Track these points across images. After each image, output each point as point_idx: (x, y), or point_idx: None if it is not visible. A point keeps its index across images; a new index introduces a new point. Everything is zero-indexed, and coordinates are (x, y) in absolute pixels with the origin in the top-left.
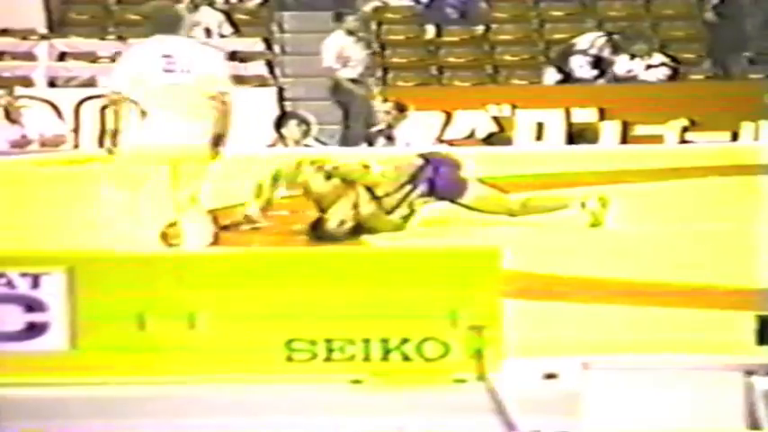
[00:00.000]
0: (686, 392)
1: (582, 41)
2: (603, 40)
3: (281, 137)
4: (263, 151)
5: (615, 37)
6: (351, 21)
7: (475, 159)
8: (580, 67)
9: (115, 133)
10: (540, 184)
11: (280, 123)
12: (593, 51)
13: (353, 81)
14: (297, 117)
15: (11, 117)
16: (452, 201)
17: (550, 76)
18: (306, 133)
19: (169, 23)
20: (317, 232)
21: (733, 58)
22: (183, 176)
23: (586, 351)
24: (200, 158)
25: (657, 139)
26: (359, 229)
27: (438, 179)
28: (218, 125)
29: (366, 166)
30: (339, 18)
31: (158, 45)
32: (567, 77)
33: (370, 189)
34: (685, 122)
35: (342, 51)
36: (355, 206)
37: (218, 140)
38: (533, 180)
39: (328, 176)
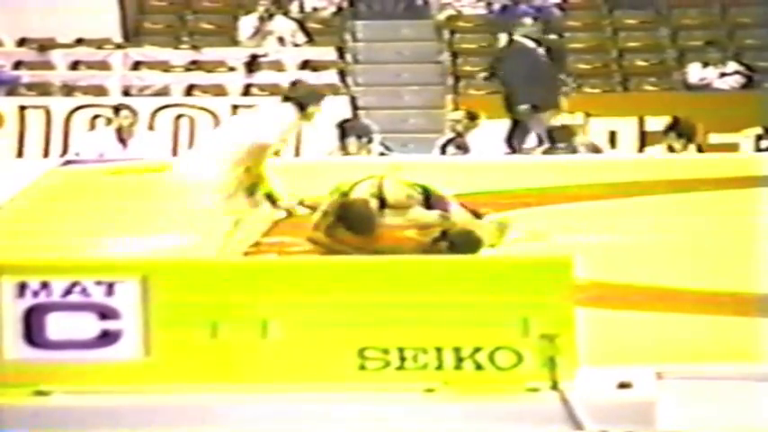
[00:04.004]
0: (762, 401)
1: None
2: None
3: (343, 147)
4: (332, 159)
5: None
6: None
7: (547, 168)
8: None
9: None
10: (611, 194)
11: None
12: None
13: None
14: (356, 129)
15: (122, 137)
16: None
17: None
18: (367, 145)
19: None
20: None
21: None
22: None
23: (660, 360)
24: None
25: (732, 147)
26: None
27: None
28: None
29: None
30: None
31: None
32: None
33: None
34: (759, 131)
35: None
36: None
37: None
38: (606, 189)
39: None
